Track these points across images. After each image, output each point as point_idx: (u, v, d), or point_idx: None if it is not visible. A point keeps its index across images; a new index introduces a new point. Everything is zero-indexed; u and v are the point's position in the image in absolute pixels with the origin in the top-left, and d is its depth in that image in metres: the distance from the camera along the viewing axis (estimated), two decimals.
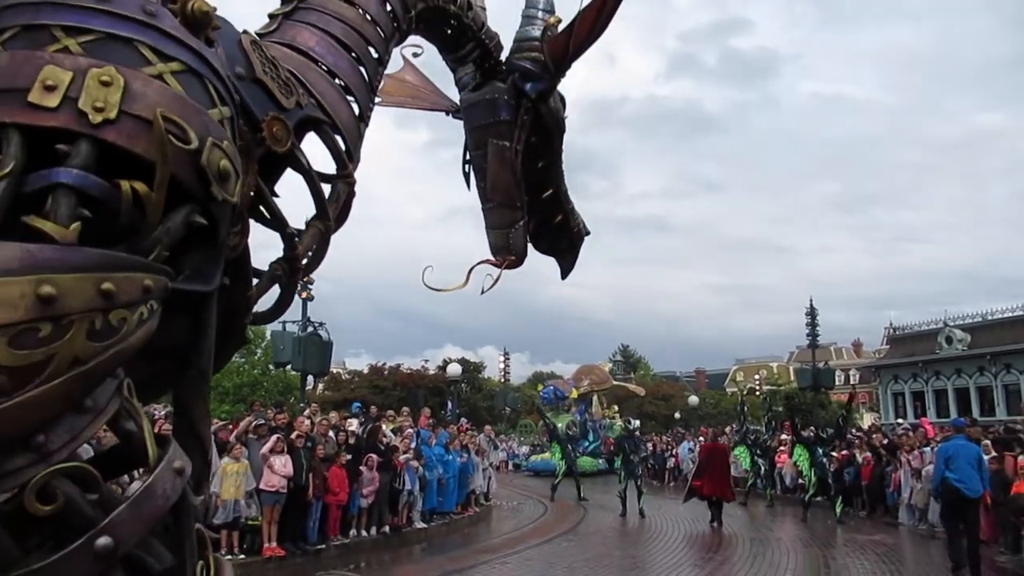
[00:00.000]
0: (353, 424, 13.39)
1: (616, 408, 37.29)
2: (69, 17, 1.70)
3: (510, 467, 36.04)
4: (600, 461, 28.56)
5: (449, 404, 31.35)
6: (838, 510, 16.97)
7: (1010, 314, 41.92)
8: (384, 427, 14.71)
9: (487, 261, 4.43)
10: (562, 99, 4.52)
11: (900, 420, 35.72)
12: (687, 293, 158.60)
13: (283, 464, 11.02)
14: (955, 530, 10.88)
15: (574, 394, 33.67)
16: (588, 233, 5.01)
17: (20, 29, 1.68)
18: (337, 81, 2.87)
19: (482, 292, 4.47)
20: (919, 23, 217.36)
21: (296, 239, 2.50)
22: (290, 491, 11.12)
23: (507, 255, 4.41)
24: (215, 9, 2.08)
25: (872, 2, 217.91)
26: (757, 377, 69.25)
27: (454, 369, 32.15)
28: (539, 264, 4.83)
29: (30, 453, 1.44)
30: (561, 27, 4.26)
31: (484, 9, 4.15)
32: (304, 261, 2.61)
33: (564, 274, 5.22)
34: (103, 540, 1.50)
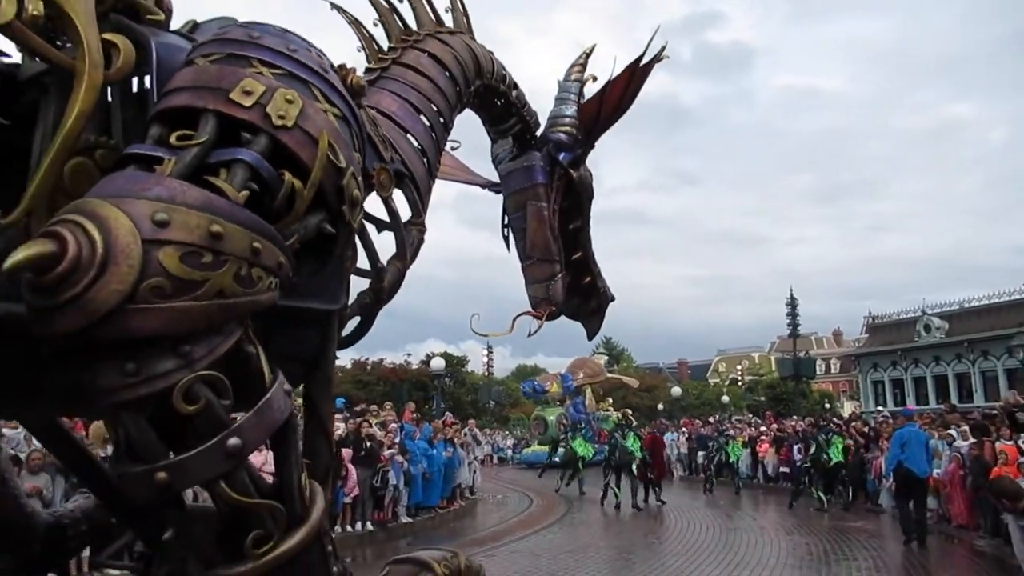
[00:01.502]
0: (340, 428, 13.34)
1: (610, 401, 37.29)
2: (265, 54, 2.14)
3: (495, 461, 36.10)
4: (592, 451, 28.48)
5: (435, 399, 31.29)
6: (817, 495, 17.16)
7: (987, 301, 42.48)
8: (369, 422, 14.67)
9: (529, 313, 4.84)
10: (590, 172, 4.97)
11: (880, 408, 36.05)
12: (667, 285, 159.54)
13: (264, 461, 10.94)
14: (905, 507, 12.63)
15: (553, 388, 33.72)
16: (613, 299, 5.32)
17: (225, 55, 2.10)
18: (413, 141, 3.31)
19: (528, 335, 4.93)
20: (884, 14, 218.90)
21: (383, 273, 2.88)
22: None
23: (548, 306, 4.79)
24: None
25: None
26: (739, 367, 69.87)
27: (437, 363, 32.04)
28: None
29: (178, 359, 1.70)
30: (593, 88, 4.76)
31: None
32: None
33: (591, 336, 5.61)
34: (234, 440, 1.75)
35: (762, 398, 53.46)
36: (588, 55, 5.17)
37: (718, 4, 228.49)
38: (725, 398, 55.18)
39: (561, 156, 4.65)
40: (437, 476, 15.84)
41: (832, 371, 72.62)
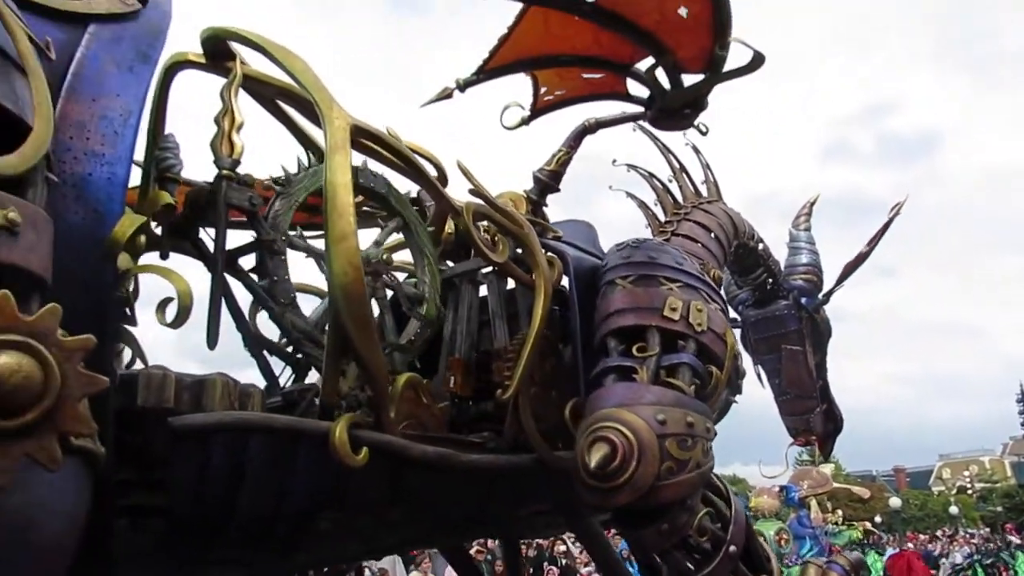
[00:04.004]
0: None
1: (840, 514, 34.33)
2: (666, 272, 3.00)
3: None
4: None
5: None
6: None
7: None
8: (563, 539, 14.53)
9: (796, 443, 5.77)
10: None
11: None
12: (872, 385, 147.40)
13: None
14: None
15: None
16: (843, 421, 5.90)
17: (639, 276, 2.97)
18: None
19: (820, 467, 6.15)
20: None
21: None
22: None
23: (808, 436, 5.57)
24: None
25: None
26: (967, 474, 62.50)
27: None
28: None
29: (687, 512, 2.62)
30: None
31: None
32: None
33: (827, 456, 6.63)
34: (732, 548, 2.67)
35: (999, 508, 47.48)
36: (813, 204, 5.97)
37: (892, 91, 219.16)
38: (954, 509, 49.41)
39: (804, 301, 5.34)
40: None
41: None
